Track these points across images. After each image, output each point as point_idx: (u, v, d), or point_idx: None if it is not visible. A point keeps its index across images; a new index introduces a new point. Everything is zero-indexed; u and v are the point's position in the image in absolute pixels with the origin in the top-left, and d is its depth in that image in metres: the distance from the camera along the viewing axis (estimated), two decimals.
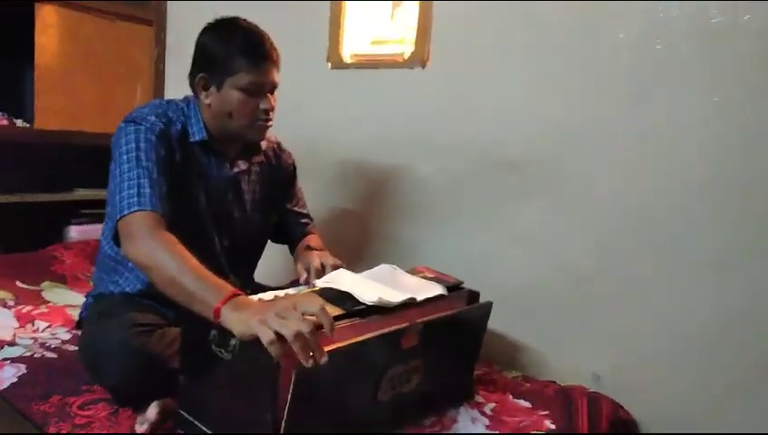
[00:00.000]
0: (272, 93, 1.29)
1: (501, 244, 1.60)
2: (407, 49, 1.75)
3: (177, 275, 0.99)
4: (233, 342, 0.91)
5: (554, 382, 1.42)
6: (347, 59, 1.88)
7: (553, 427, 1.18)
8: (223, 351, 0.92)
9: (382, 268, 1.28)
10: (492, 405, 1.26)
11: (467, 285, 1.29)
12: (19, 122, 2.06)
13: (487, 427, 1.17)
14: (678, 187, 1.34)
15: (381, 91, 1.81)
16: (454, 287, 1.26)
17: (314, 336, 0.84)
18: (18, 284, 1.74)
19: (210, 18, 1.31)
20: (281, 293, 1.16)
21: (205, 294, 0.95)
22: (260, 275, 1.56)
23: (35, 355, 1.31)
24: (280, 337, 0.83)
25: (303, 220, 1.56)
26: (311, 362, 0.83)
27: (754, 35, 1.24)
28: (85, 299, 1.41)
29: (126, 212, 1.11)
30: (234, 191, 1.38)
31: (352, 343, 0.94)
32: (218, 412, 0.98)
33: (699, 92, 1.31)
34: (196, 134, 1.30)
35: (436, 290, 1.19)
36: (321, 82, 1.92)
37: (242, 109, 1.26)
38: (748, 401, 1.28)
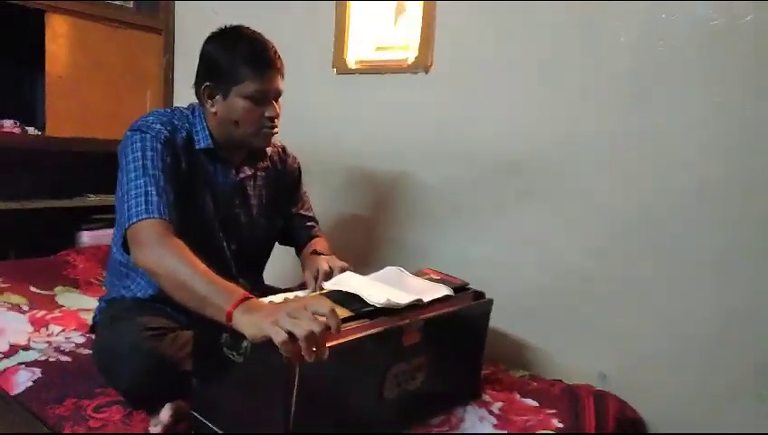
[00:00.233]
0: (277, 101, 1.30)
1: (505, 246, 1.62)
2: (410, 55, 1.77)
3: (188, 281, 1.01)
4: (244, 344, 0.92)
5: (561, 381, 1.43)
6: (352, 65, 1.90)
7: (561, 426, 1.19)
8: (235, 353, 0.94)
9: (389, 271, 1.29)
10: (499, 404, 1.27)
11: (473, 286, 1.31)
12: (31, 130, 2.09)
13: (495, 426, 1.18)
14: (678, 188, 1.35)
15: (386, 97, 1.83)
16: (460, 288, 1.27)
17: (323, 336, 0.86)
18: (32, 289, 1.76)
19: (215, 22, 1.32)
20: (290, 295, 1.18)
21: (216, 298, 0.96)
22: (269, 276, 1.57)
23: (50, 359, 1.33)
24: (291, 337, 0.85)
25: (309, 223, 1.58)
26: (312, 357, 0.85)
27: (754, 36, 1.25)
28: (98, 303, 1.43)
29: (134, 220, 1.12)
30: (240, 196, 1.40)
31: (352, 339, 0.96)
32: (231, 414, 1.00)
33: (699, 94, 1.32)
34: (202, 141, 1.31)
35: (443, 291, 1.21)
36: (327, 88, 1.94)
37: (248, 117, 1.27)
38: (749, 401, 1.29)
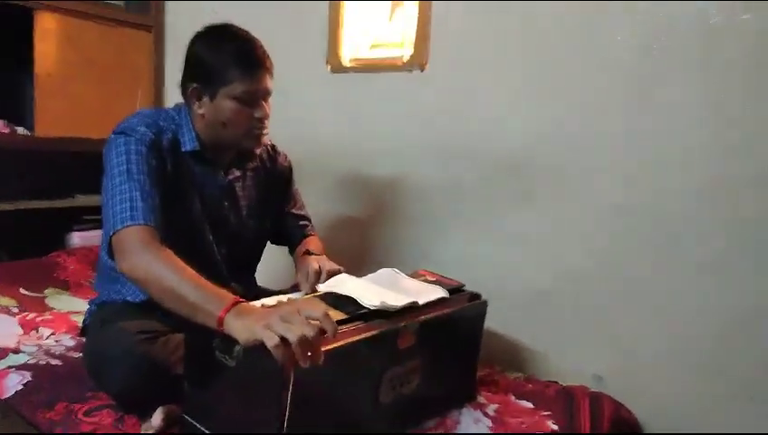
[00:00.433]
0: (266, 100, 1.28)
1: (502, 246, 1.61)
2: (406, 52, 1.76)
3: (176, 288, 0.99)
4: (237, 348, 0.91)
5: (556, 383, 1.43)
6: (346, 63, 1.89)
7: (556, 427, 1.19)
8: (227, 357, 0.93)
9: (384, 272, 1.29)
10: (494, 406, 1.26)
11: (469, 287, 1.30)
12: (20, 130, 2.06)
13: (490, 428, 1.18)
14: (678, 188, 1.35)
15: (381, 95, 1.82)
16: (455, 290, 1.27)
17: (317, 340, 0.85)
18: (21, 290, 1.75)
19: (207, 20, 1.30)
20: (284, 298, 1.17)
21: (207, 304, 0.95)
22: (262, 278, 1.56)
23: (40, 362, 1.32)
24: (284, 341, 0.84)
25: (302, 222, 1.56)
26: (308, 362, 0.84)
27: (754, 35, 1.25)
28: (88, 306, 1.42)
29: (119, 227, 1.10)
30: (229, 198, 1.38)
31: (347, 343, 0.95)
32: (223, 417, 0.99)
33: (699, 94, 1.32)
34: (188, 144, 1.28)
35: (438, 293, 1.20)
36: (321, 86, 1.93)
37: (237, 118, 1.24)
38: (746, 404, 1.29)
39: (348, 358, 0.97)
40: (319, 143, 1.95)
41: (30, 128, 2.09)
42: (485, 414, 1.22)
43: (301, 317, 0.87)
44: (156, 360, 1.07)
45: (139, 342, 1.08)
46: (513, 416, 1.23)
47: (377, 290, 1.15)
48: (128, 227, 1.10)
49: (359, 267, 1.36)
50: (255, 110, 1.25)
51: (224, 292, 0.98)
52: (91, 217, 2.23)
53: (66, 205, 2.20)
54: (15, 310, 1.62)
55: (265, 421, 0.90)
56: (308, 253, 1.42)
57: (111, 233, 1.11)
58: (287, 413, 0.87)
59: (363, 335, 0.99)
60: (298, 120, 1.91)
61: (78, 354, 1.35)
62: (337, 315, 1.01)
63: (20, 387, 1.21)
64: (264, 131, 1.30)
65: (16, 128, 2.07)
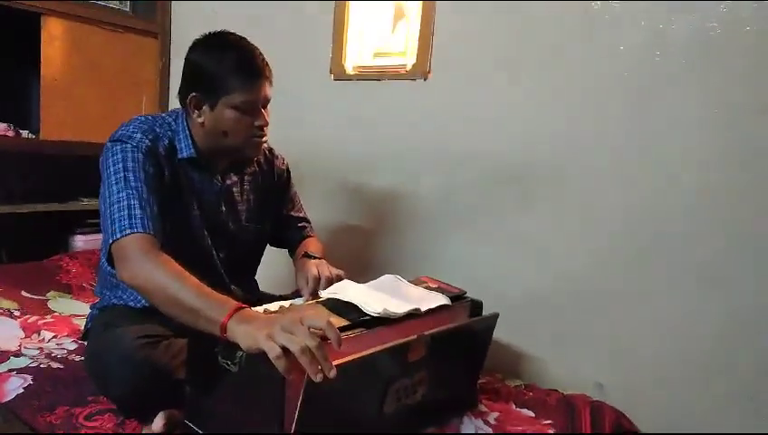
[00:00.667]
0: (265, 108, 1.28)
1: (503, 253, 1.61)
2: (409, 61, 1.77)
3: (178, 295, 0.99)
4: (239, 354, 0.91)
5: (557, 391, 1.43)
6: (350, 71, 1.89)
7: None
8: (229, 363, 0.93)
9: (386, 279, 1.29)
10: (495, 414, 1.26)
11: (470, 294, 1.30)
12: (25, 133, 2.07)
13: None
14: (678, 193, 1.35)
15: (384, 103, 1.83)
16: (457, 297, 1.26)
17: (322, 350, 0.84)
18: (23, 293, 1.75)
19: (212, 27, 1.30)
20: (286, 303, 1.17)
21: (209, 310, 0.95)
22: (263, 282, 1.56)
23: (41, 366, 1.31)
24: (286, 351, 0.83)
25: (301, 224, 1.56)
26: (320, 376, 0.82)
27: (754, 40, 1.25)
28: (90, 310, 1.42)
29: (119, 236, 1.10)
30: (227, 203, 1.37)
31: (361, 357, 0.93)
32: (224, 423, 0.99)
33: (698, 99, 1.32)
34: (184, 151, 1.27)
35: (440, 300, 1.20)
36: (325, 94, 1.94)
37: (237, 127, 1.24)
38: (748, 406, 1.29)
39: (358, 371, 0.95)
40: (322, 149, 1.95)
41: (35, 131, 2.10)
42: (487, 422, 1.22)
43: (303, 328, 0.86)
44: (157, 364, 1.07)
45: (140, 346, 1.08)
46: (514, 424, 1.23)
47: (379, 296, 1.15)
48: (127, 235, 1.10)
49: (361, 273, 1.36)
50: (255, 118, 1.26)
51: (226, 298, 0.98)
52: (94, 221, 2.23)
53: (69, 208, 2.21)
54: (17, 313, 1.62)
55: (266, 428, 0.90)
56: (307, 255, 1.41)
57: (111, 241, 1.11)
58: (296, 423, 0.86)
59: (375, 349, 0.97)
60: (301, 126, 1.91)
61: (79, 358, 1.35)
62: (339, 322, 1.01)
63: (21, 390, 1.20)
64: (264, 139, 1.30)
65: (21, 131, 2.08)
